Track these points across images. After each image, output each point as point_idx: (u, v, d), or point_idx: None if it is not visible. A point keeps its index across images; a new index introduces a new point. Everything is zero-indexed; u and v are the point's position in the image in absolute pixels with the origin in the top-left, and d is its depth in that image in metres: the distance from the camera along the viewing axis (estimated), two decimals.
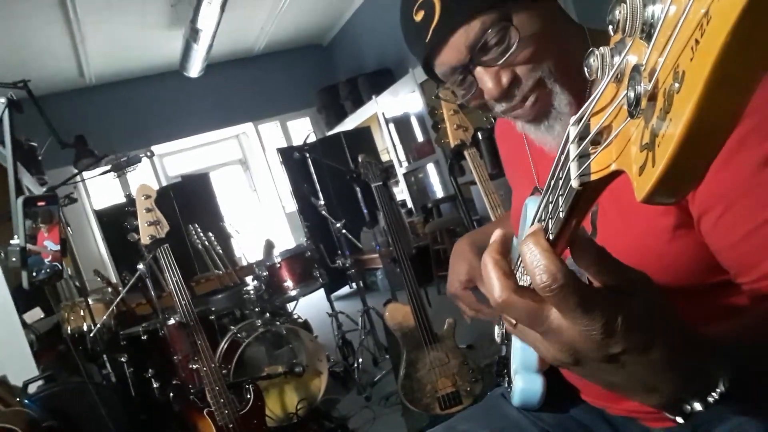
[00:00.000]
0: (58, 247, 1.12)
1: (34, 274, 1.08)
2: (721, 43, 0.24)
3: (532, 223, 0.44)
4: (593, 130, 0.34)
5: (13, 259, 1.04)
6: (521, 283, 0.45)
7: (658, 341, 0.41)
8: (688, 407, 0.43)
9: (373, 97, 6.36)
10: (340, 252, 3.53)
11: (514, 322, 0.46)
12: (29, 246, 1.04)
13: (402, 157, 6.52)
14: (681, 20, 0.26)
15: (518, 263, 0.61)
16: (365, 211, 3.65)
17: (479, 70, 0.74)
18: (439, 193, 6.31)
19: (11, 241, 1.05)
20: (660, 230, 0.68)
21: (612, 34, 0.33)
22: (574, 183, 0.36)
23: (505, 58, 0.72)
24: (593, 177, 0.34)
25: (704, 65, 0.24)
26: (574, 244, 0.41)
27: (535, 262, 0.39)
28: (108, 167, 2.65)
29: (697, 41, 0.25)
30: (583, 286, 0.39)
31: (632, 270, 0.42)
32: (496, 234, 0.48)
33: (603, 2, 0.33)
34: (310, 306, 4.36)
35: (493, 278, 0.43)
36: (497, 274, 0.43)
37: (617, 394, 0.47)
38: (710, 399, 0.43)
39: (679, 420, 0.44)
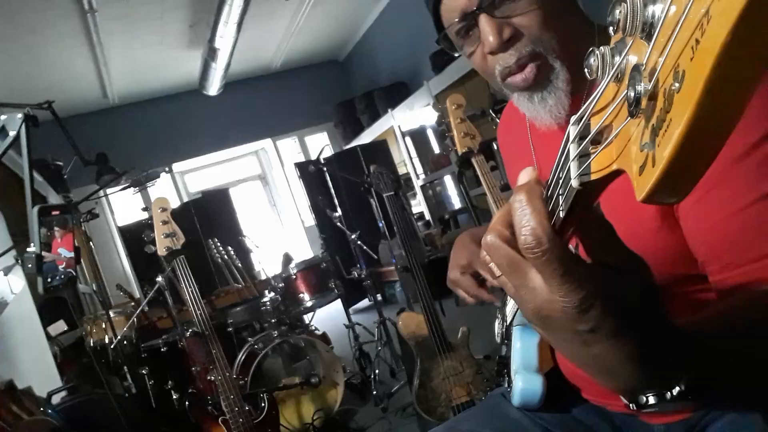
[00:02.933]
0: (72, 254, 1.18)
1: (49, 280, 1.13)
2: (721, 43, 0.24)
3: None
4: (593, 129, 0.34)
5: (29, 266, 1.10)
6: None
7: (631, 331, 0.40)
8: (644, 398, 0.43)
9: (389, 110, 6.41)
10: (357, 264, 3.55)
11: (498, 273, 0.44)
12: (44, 253, 1.10)
13: (419, 169, 6.54)
14: (681, 20, 0.26)
15: None
16: (381, 223, 3.67)
17: (483, 19, 0.75)
18: (457, 204, 6.31)
19: (27, 249, 1.10)
20: (647, 217, 0.68)
21: (612, 33, 0.33)
22: (574, 182, 0.36)
23: (510, 12, 0.74)
24: (593, 176, 0.34)
25: (704, 65, 0.24)
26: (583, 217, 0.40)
27: (524, 221, 0.38)
28: (128, 183, 2.73)
29: (697, 41, 0.25)
30: (569, 257, 0.38)
31: (633, 253, 0.41)
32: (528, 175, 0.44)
33: (610, 2, 0.34)
34: (328, 318, 4.38)
35: (496, 219, 0.42)
36: (501, 215, 0.42)
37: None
38: (667, 395, 0.42)
39: (632, 407, 0.44)
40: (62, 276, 1.12)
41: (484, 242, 0.42)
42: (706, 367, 0.43)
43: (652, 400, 0.42)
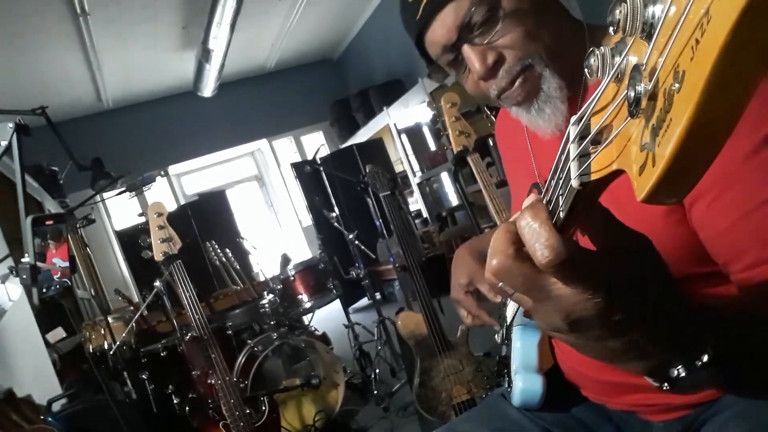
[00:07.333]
0: (66, 264, 1.17)
1: (44, 290, 1.12)
2: (721, 43, 0.24)
3: None
4: (593, 129, 0.34)
5: (24, 277, 1.09)
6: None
7: (657, 305, 0.40)
8: (675, 372, 0.43)
9: (385, 108, 6.40)
10: (355, 264, 3.54)
11: (511, 291, 0.44)
12: (39, 263, 1.09)
13: (416, 166, 6.54)
14: (681, 20, 0.26)
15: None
16: (378, 222, 3.67)
17: (466, 49, 0.76)
18: (454, 201, 6.30)
19: (22, 260, 1.10)
20: (654, 217, 0.68)
21: (612, 33, 0.33)
22: (574, 183, 0.36)
23: (490, 38, 0.74)
24: (593, 177, 0.34)
25: (704, 65, 0.24)
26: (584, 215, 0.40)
27: (535, 237, 0.37)
28: (124, 187, 2.72)
29: (697, 41, 0.25)
30: (587, 255, 0.38)
31: (634, 232, 0.42)
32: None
33: (607, 2, 0.34)
34: (328, 318, 4.38)
35: (496, 242, 0.41)
36: (501, 237, 0.41)
37: (611, 367, 0.46)
38: (698, 363, 0.42)
39: (665, 387, 0.44)
40: (57, 286, 1.12)
41: (491, 268, 0.41)
42: (730, 334, 0.44)
43: (683, 372, 0.42)
